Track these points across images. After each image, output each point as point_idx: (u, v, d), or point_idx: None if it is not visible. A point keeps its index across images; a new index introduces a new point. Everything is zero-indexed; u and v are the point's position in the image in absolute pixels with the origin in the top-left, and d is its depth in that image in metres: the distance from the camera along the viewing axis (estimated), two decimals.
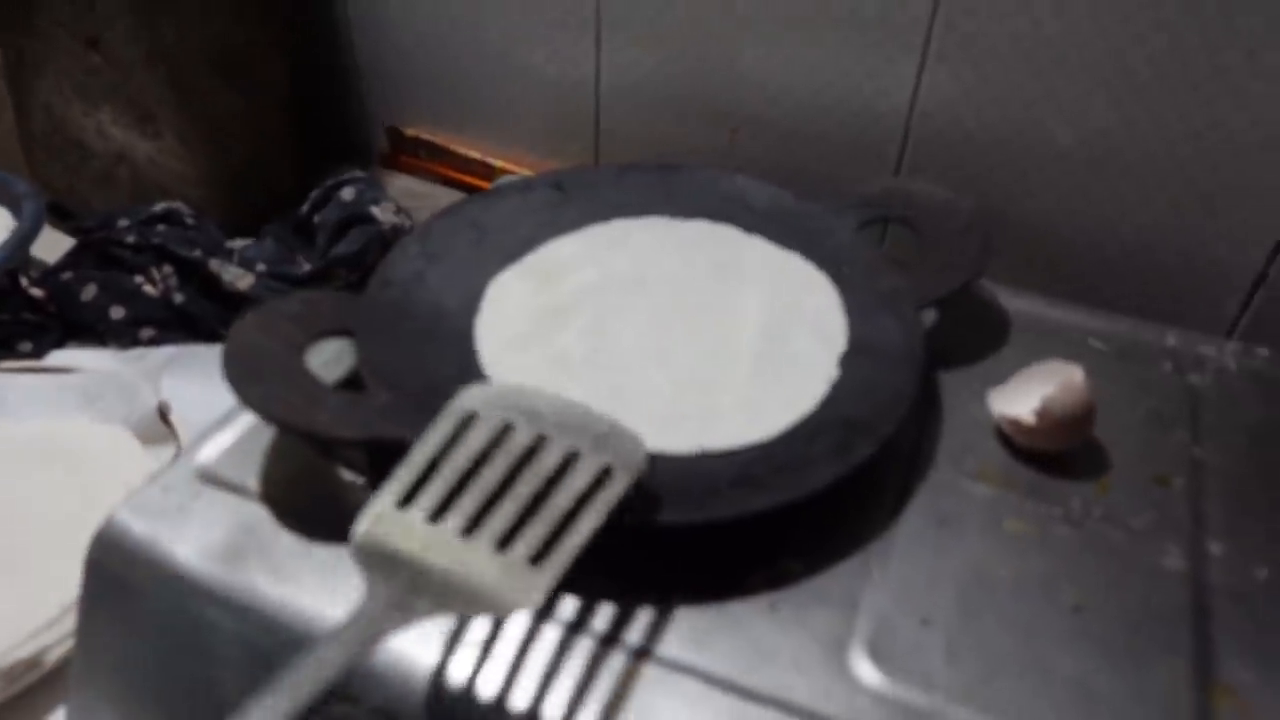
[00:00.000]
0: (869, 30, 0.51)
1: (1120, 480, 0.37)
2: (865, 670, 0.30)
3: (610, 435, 0.31)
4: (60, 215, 0.64)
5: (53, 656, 0.37)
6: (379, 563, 0.28)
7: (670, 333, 0.40)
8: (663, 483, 0.34)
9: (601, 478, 0.29)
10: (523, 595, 0.27)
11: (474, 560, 0.28)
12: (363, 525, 0.29)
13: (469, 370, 0.38)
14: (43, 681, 0.37)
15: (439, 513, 0.29)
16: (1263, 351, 0.43)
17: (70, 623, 0.36)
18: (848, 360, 0.39)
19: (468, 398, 0.31)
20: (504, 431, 0.30)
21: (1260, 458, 0.38)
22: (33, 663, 0.37)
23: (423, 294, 0.41)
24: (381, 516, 0.29)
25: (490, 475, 0.29)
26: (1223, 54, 0.44)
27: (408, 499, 0.29)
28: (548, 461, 0.30)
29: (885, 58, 0.51)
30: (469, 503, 0.29)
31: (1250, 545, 0.34)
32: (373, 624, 0.26)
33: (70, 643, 0.36)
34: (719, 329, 0.41)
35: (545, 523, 0.29)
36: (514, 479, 0.29)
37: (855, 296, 0.42)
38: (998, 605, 0.32)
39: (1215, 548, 0.34)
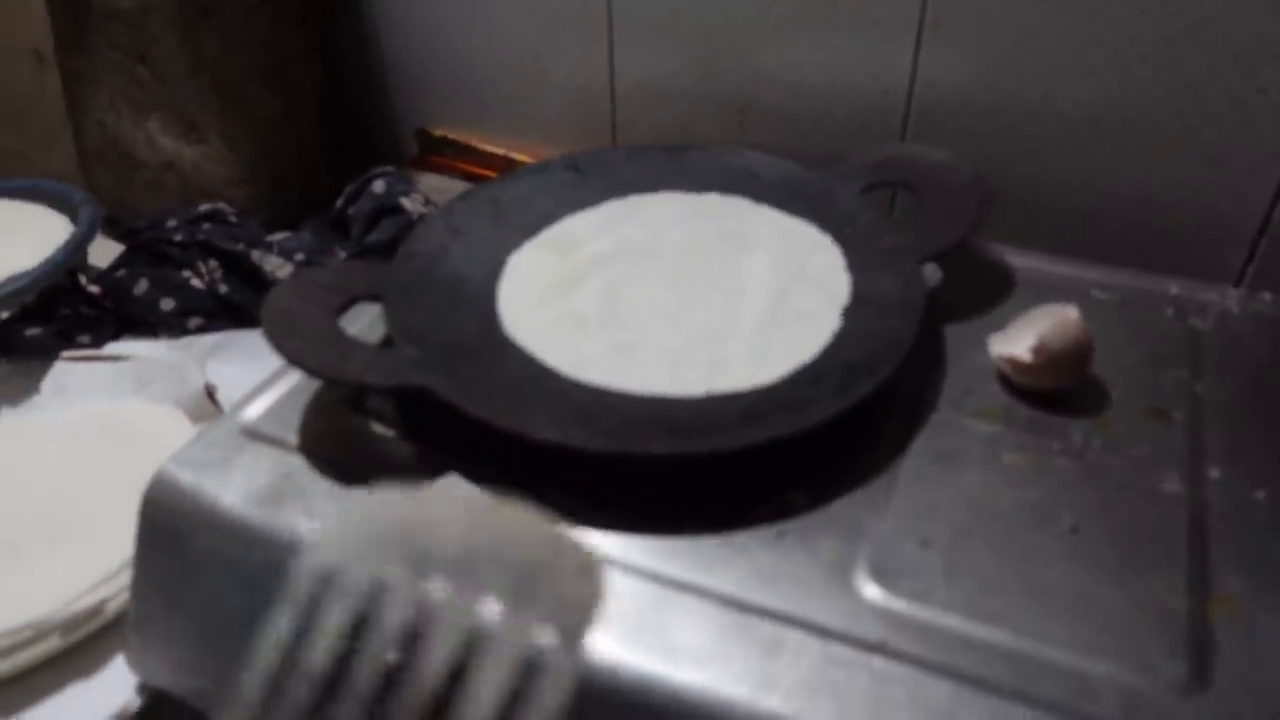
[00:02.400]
0: (868, 11, 0.53)
1: (1120, 415, 0.38)
2: (868, 588, 0.31)
3: (535, 567, 0.20)
4: (112, 225, 0.68)
5: (112, 607, 0.40)
6: None
7: (681, 293, 0.42)
8: (672, 421, 0.36)
9: (528, 673, 0.19)
10: None
11: None
12: None
13: (490, 329, 0.41)
14: (103, 631, 0.40)
15: None
16: (1266, 296, 0.44)
17: (127, 577, 0.39)
18: (850, 312, 0.41)
19: (321, 548, 0.22)
20: (374, 600, 0.21)
21: (1262, 392, 0.39)
22: (93, 612, 0.40)
23: (446, 264, 0.43)
24: None
25: (358, 689, 0.20)
26: (1211, 1, 0.45)
27: None
28: (435, 657, 0.19)
29: (884, 36, 0.53)
30: None
31: (1249, 470, 0.35)
32: None
33: (127, 594, 0.39)
34: (727, 288, 0.43)
35: None
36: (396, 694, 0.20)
37: (858, 255, 0.43)
38: (995, 529, 0.33)
39: (1214, 473, 0.35)
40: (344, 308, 0.40)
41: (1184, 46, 0.46)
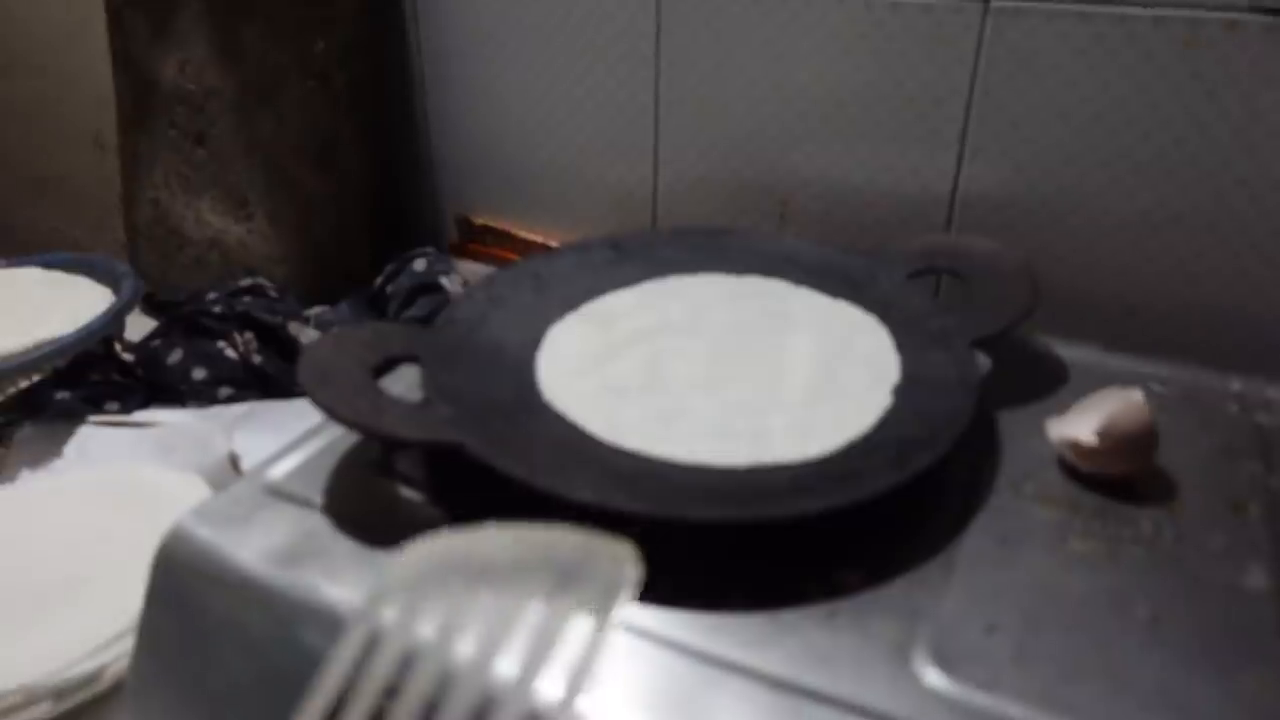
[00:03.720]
0: (909, 130, 0.54)
1: (1192, 506, 0.36)
2: (929, 674, 0.28)
3: (581, 563, 0.22)
4: (154, 306, 0.69)
5: (110, 674, 0.38)
6: None
7: (723, 367, 0.41)
8: (715, 490, 0.34)
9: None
10: None
11: None
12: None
13: (528, 393, 0.39)
14: (99, 700, 0.38)
15: None
16: None
17: (128, 644, 0.37)
18: (901, 390, 0.39)
19: (371, 603, 0.23)
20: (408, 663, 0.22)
21: None
22: (89, 679, 0.37)
23: (486, 331, 0.43)
24: None
25: None
26: (1259, 96, 0.45)
27: None
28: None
29: (927, 151, 0.54)
30: None
31: None
32: None
33: (127, 662, 0.36)
34: (771, 364, 0.41)
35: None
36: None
37: (906, 336, 0.42)
38: (1067, 615, 0.31)
39: None
40: (381, 366, 0.39)
41: (1233, 143, 0.47)
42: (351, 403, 0.34)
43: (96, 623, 0.40)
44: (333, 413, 0.34)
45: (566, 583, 0.22)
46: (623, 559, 0.23)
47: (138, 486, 0.49)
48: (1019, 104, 0.51)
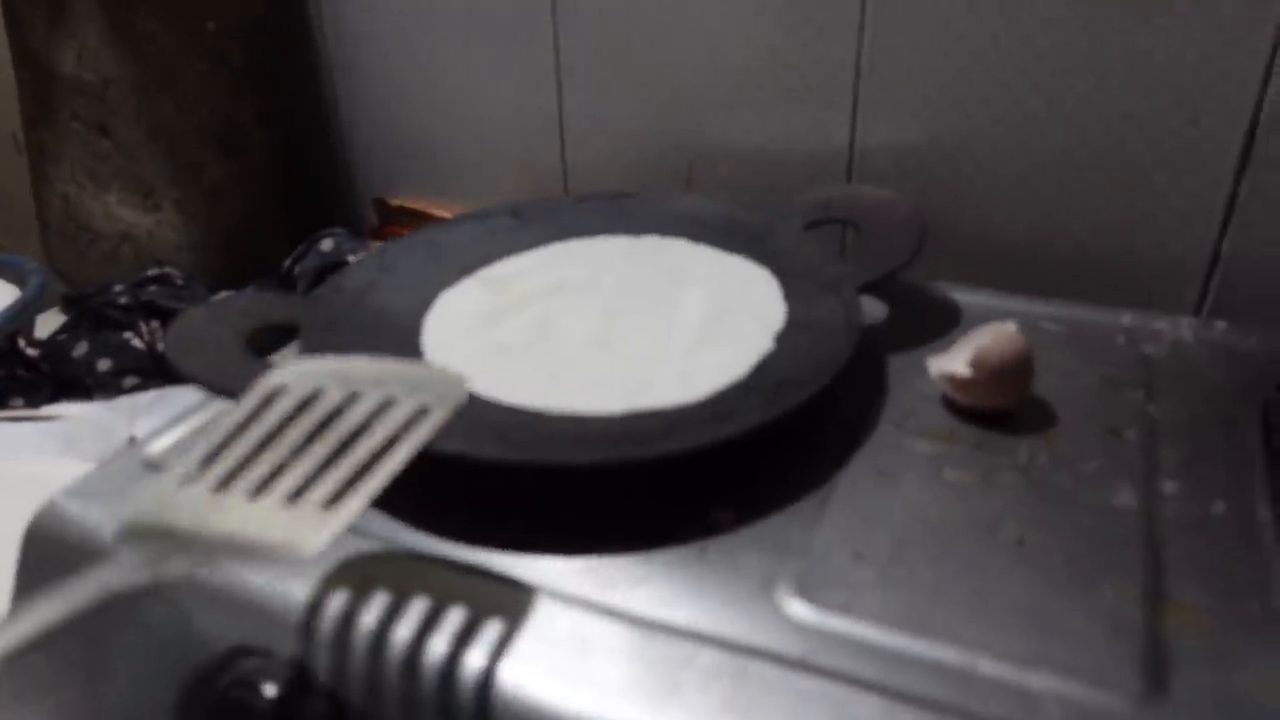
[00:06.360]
0: (808, 85, 0.54)
1: (1069, 433, 0.36)
2: (791, 603, 0.28)
3: (429, 379, 0.28)
4: (70, 304, 0.68)
5: None
6: (147, 543, 0.26)
7: (613, 325, 0.41)
8: (587, 436, 0.34)
9: (416, 417, 0.27)
10: (308, 537, 0.25)
11: (259, 518, 0.26)
12: (129, 511, 0.27)
13: (410, 355, 0.39)
14: None
15: (227, 483, 0.27)
16: (1220, 325, 0.43)
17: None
18: (784, 336, 0.39)
19: (276, 374, 0.29)
20: (313, 397, 0.28)
21: (1218, 413, 0.37)
22: None
23: (373, 298, 0.42)
24: (153, 498, 0.27)
25: (290, 438, 0.27)
26: (1138, 31, 0.45)
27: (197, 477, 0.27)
28: (356, 414, 0.27)
29: (824, 107, 0.54)
30: (261, 468, 0.27)
31: (1207, 484, 0.33)
32: (101, 586, 0.25)
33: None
34: (661, 319, 0.41)
35: (345, 469, 0.26)
36: (319, 438, 0.27)
37: (796, 285, 0.42)
38: (935, 541, 0.31)
39: (1169, 487, 0.33)
40: (258, 334, 0.38)
41: (1117, 81, 0.47)
42: (216, 367, 0.34)
43: None
44: (194, 378, 0.33)
45: (417, 389, 0.28)
46: (459, 380, 0.28)
47: (34, 479, 0.48)
48: (909, 55, 0.51)
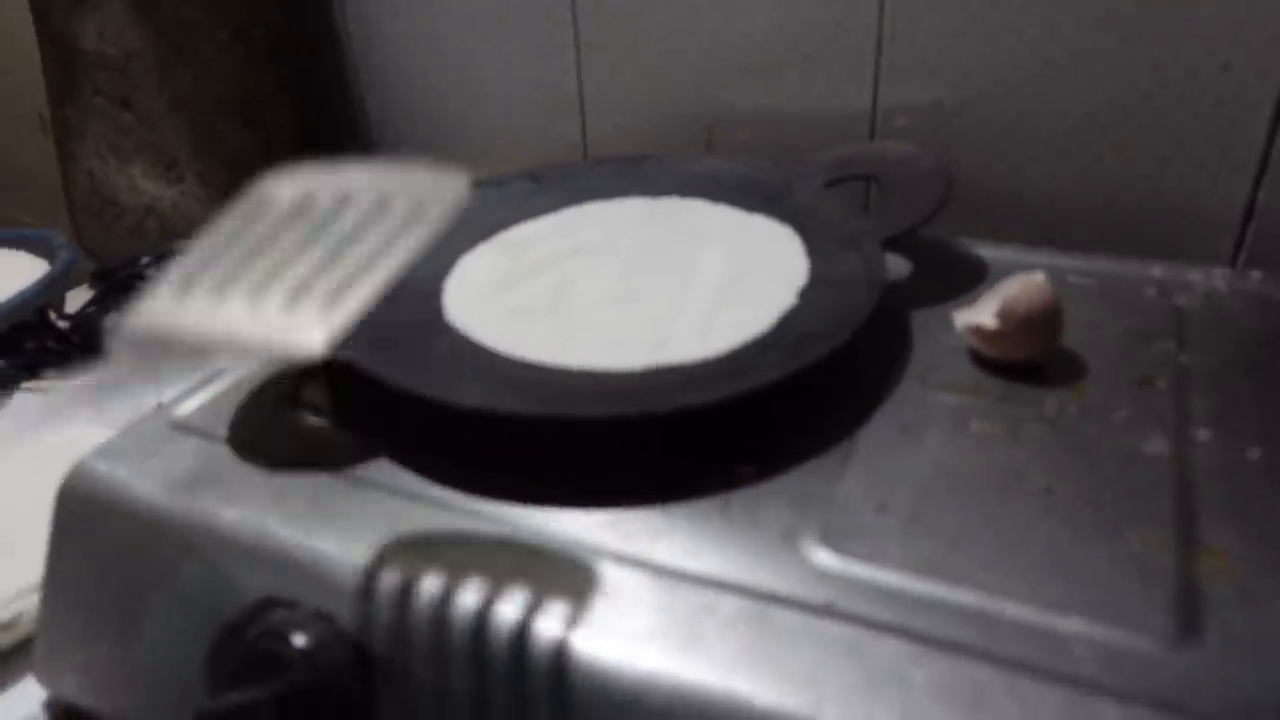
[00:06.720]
0: (830, 44, 0.53)
1: (1098, 383, 0.35)
2: (816, 553, 0.28)
3: (424, 179, 0.27)
4: (99, 279, 0.68)
5: (28, 621, 0.38)
6: (146, 349, 0.26)
7: (631, 284, 0.41)
8: (607, 391, 0.33)
9: (413, 216, 0.26)
10: (310, 334, 0.25)
11: (259, 319, 0.25)
12: (133, 319, 0.27)
13: (432, 316, 0.39)
14: (17, 649, 0.38)
15: (223, 289, 0.26)
16: (1256, 274, 0.41)
17: None
18: (807, 292, 0.39)
19: (266, 184, 0.29)
20: (304, 204, 0.27)
21: (1253, 362, 0.36)
22: (5, 627, 0.37)
23: None
24: (156, 308, 0.26)
25: (285, 243, 0.26)
26: None
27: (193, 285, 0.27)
28: (350, 217, 0.27)
29: (847, 66, 0.53)
30: (257, 273, 0.26)
31: (1241, 431, 0.32)
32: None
33: None
34: (680, 278, 0.41)
35: (344, 269, 0.26)
36: (314, 242, 0.26)
37: (818, 242, 0.42)
38: (960, 491, 0.30)
39: (1202, 434, 0.32)
40: None
41: (1145, 30, 0.46)
42: None
43: (15, 574, 0.39)
44: None
45: (414, 187, 0.27)
46: (459, 179, 0.27)
47: (68, 445, 0.48)
48: (933, 13, 0.50)
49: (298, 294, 0.25)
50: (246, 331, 0.25)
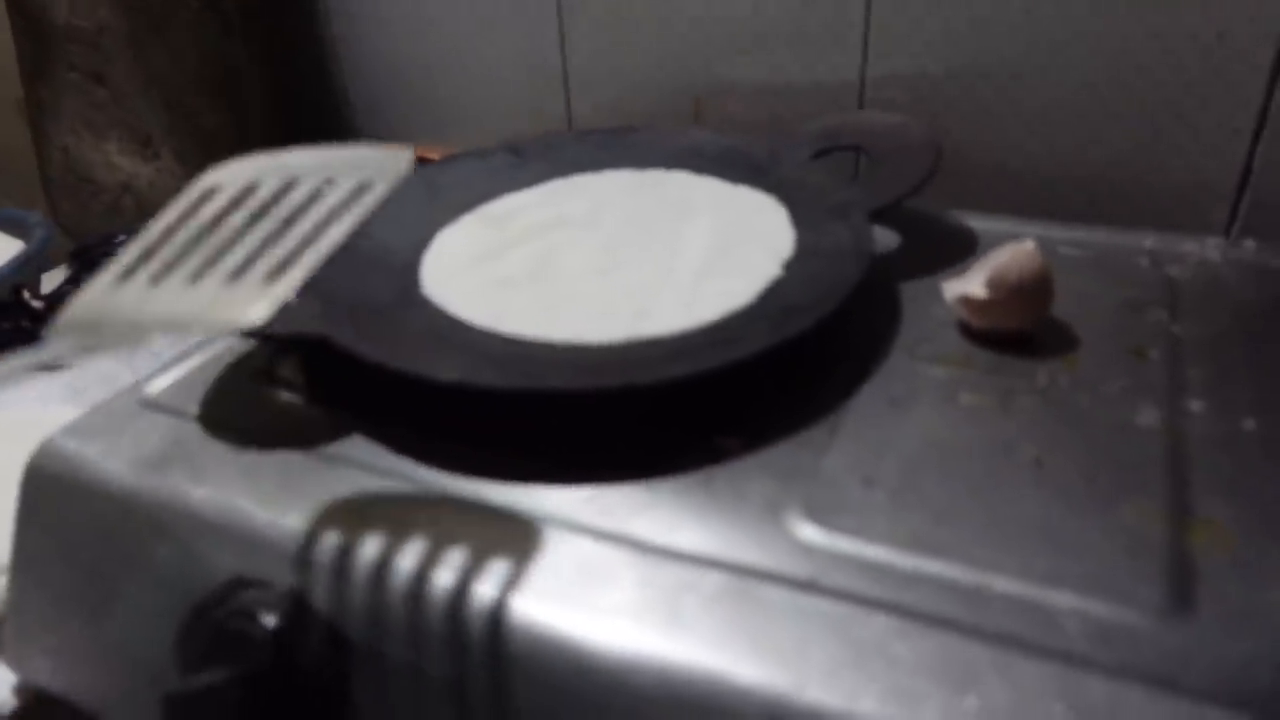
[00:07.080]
0: (817, 14, 0.52)
1: (1090, 354, 0.34)
2: (801, 527, 0.27)
3: (369, 156, 0.28)
4: (76, 258, 0.67)
5: None
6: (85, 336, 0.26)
7: (615, 256, 0.40)
8: (588, 363, 0.33)
9: (358, 193, 0.27)
10: (249, 309, 0.25)
11: (198, 298, 0.25)
12: (69, 308, 0.26)
13: (409, 290, 0.38)
14: None
15: (164, 274, 0.26)
16: (1249, 244, 0.41)
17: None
18: (793, 263, 0.38)
19: (210, 175, 0.29)
20: (249, 191, 0.28)
21: (1247, 332, 0.35)
22: None
23: (369, 234, 0.41)
24: (93, 295, 0.26)
25: (227, 228, 0.27)
26: None
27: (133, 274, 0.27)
28: (294, 198, 0.27)
29: (834, 38, 0.52)
30: (199, 258, 0.26)
31: (1235, 402, 0.31)
32: None
33: None
34: (665, 250, 0.40)
35: (285, 245, 0.26)
36: (257, 224, 0.27)
37: (805, 213, 0.41)
38: (948, 464, 0.29)
39: (1195, 405, 0.31)
40: None
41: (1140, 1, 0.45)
42: None
43: None
44: None
45: (357, 167, 0.27)
46: (401, 153, 0.28)
47: (37, 426, 0.48)
48: None
49: (239, 272, 0.26)
50: (185, 308, 0.25)
